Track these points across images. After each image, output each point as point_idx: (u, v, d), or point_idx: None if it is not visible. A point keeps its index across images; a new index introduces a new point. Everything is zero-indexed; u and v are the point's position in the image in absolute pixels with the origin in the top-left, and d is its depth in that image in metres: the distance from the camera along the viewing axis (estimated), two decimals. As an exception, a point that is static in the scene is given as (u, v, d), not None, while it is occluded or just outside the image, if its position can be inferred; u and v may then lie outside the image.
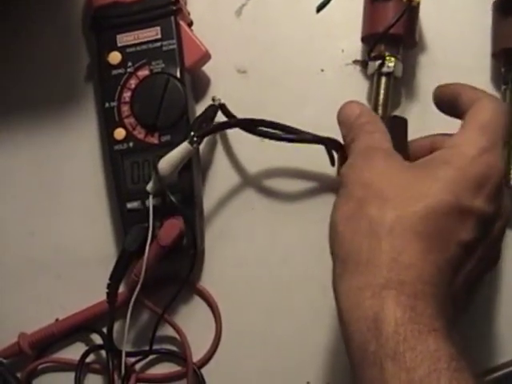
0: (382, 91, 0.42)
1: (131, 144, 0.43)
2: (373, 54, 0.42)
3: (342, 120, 0.37)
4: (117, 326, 0.44)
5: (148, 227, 0.41)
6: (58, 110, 0.47)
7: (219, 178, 0.45)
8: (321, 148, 0.42)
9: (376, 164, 0.33)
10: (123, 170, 0.43)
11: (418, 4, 0.41)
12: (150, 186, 0.41)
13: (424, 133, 0.39)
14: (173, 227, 0.41)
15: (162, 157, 0.40)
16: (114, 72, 0.44)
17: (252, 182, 0.45)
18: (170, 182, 0.41)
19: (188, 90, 0.43)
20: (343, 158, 0.41)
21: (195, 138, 0.40)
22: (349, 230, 0.32)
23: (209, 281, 0.45)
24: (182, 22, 0.44)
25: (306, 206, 0.44)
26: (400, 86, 0.44)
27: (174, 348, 0.44)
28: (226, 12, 0.47)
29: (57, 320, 0.45)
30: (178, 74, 0.43)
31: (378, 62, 0.42)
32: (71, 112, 0.47)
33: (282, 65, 0.46)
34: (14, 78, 0.48)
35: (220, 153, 0.46)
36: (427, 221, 0.30)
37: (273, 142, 0.42)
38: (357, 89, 0.45)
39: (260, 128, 0.41)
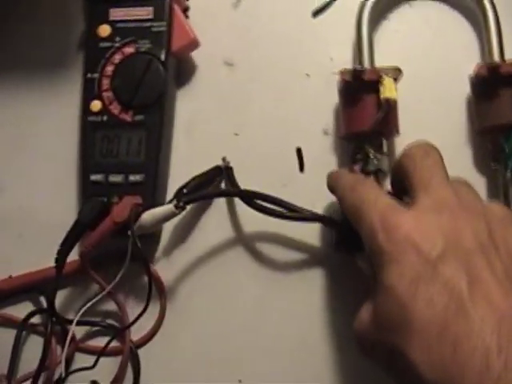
0: None
1: (105, 118, 0.43)
2: (359, 156, 0.41)
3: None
4: (65, 293, 0.45)
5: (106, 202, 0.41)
6: (47, 72, 0.48)
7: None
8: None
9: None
10: (93, 141, 0.43)
11: (395, 100, 0.40)
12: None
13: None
14: (129, 205, 0.41)
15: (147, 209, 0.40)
16: (102, 44, 0.44)
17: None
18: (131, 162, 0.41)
19: (170, 74, 0.44)
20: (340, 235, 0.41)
21: (181, 204, 0.39)
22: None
23: (161, 263, 0.45)
24: (176, 6, 0.44)
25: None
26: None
27: (116, 324, 0.45)
28: (224, 2, 0.47)
29: (10, 277, 0.46)
30: (163, 57, 0.43)
31: (359, 165, 0.41)
32: (59, 76, 0.48)
33: (270, 63, 0.46)
34: (10, 35, 0.49)
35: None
36: None
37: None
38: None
39: (258, 201, 0.41)
